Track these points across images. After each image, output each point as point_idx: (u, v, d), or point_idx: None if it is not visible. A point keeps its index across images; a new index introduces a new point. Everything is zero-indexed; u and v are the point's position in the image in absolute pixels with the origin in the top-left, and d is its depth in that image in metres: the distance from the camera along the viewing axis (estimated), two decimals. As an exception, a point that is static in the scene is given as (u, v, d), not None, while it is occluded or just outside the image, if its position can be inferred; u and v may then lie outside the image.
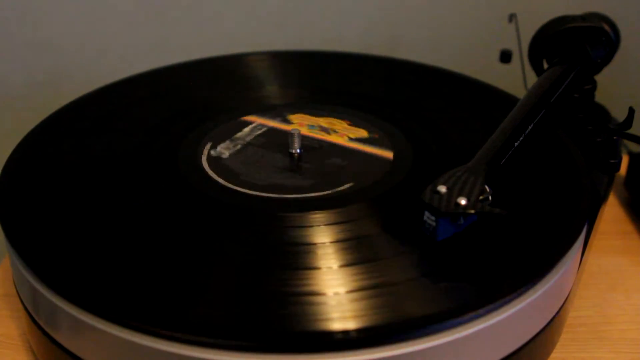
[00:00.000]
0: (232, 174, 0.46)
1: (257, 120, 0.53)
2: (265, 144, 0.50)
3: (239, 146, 0.49)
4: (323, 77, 0.60)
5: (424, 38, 0.77)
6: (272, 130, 0.51)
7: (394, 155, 0.48)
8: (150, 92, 0.57)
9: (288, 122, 0.52)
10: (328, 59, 0.63)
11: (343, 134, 0.49)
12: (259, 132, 0.51)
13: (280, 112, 0.53)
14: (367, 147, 0.49)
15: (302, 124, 0.51)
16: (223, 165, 0.47)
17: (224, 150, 0.49)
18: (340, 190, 0.44)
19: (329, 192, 0.44)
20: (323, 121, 0.51)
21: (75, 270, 0.39)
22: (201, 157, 0.48)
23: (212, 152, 0.48)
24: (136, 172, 0.47)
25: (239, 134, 0.51)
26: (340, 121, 0.51)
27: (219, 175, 0.46)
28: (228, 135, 0.51)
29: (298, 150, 0.48)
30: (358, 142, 0.49)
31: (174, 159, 0.48)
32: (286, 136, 0.49)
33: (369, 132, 0.50)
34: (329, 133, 0.49)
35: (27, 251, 0.40)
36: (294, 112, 0.53)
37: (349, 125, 0.50)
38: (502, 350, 0.38)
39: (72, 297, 0.37)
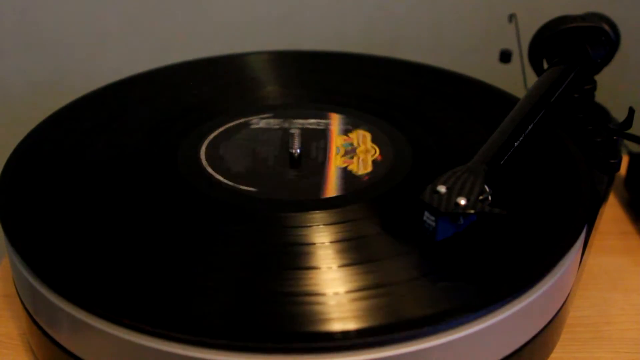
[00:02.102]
0: (232, 173, 0.46)
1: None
2: (266, 144, 0.50)
3: (239, 146, 0.49)
4: (323, 77, 0.60)
5: (424, 38, 0.77)
6: (272, 130, 0.51)
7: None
8: (150, 92, 0.57)
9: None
10: (328, 59, 0.63)
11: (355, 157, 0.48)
12: (259, 131, 0.51)
13: (282, 112, 0.53)
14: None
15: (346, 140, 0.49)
16: (223, 165, 0.47)
17: (224, 149, 0.49)
18: (340, 190, 0.44)
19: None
20: (363, 147, 0.49)
21: (75, 270, 0.39)
22: (201, 157, 0.48)
23: (212, 152, 0.48)
24: (136, 172, 0.47)
25: (239, 134, 0.51)
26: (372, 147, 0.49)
27: (218, 175, 0.46)
28: (228, 135, 0.51)
29: (298, 150, 0.48)
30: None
31: (174, 159, 0.48)
32: (286, 136, 0.49)
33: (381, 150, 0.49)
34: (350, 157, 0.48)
35: (27, 251, 0.40)
36: (354, 128, 0.51)
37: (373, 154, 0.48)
38: (502, 350, 0.38)
39: (72, 297, 0.37)
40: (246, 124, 0.52)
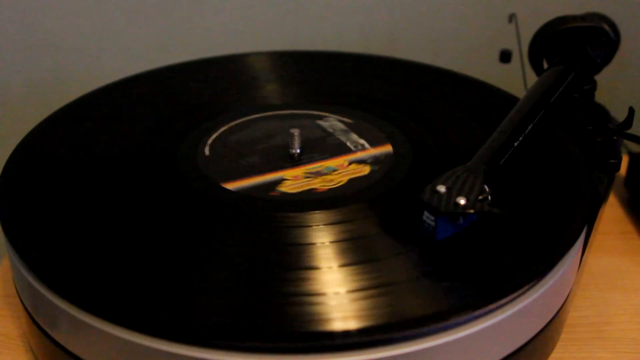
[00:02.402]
0: (232, 173, 0.46)
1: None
2: (265, 144, 0.50)
3: (239, 146, 0.49)
4: (323, 77, 0.60)
5: (424, 38, 0.77)
6: (272, 130, 0.51)
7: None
8: (150, 92, 0.57)
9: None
10: (328, 59, 0.63)
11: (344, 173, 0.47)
12: (259, 131, 0.51)
13: (282, 112, 0.53)
14: (368, 148, 0.48)
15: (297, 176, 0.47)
16: (223, 165, 0.47)
17: (224, 150, 0.49)
18: (340, 190, 0.44)
19: (329, 192, 0.44)
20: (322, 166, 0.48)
21: (75, 270, 0.39)
22: (201, 157, 0.48)
23: (212, 152, 0.48)
24: (136, 172, 0.47)
25: (239, 134, 0.51)
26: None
27: (218, 175, 0.46)
28: (228, 135, 0.51)
29: (298, 150, 0.48)
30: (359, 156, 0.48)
31: (174, 159, 0.48)
32: (286, 136, 0.49)
33: (371, 168, 0.47)
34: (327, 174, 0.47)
35: (27, 251, 0.40)
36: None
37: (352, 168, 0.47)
38: (502, 350, 0.38)
39: (72, 297, 0.37)
40: (246, 124, 0.52)
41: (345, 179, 0.46)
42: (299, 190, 0.44)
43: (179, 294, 0.37)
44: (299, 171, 0.46)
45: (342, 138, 0.50)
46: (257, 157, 0.48)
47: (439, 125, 0.52)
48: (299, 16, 0.75)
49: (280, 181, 0.45)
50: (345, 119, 0.52)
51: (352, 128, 0.52)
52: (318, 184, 0.45)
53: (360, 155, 0.49)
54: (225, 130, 0.51)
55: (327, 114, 0.53)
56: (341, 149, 0.49)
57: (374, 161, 0.48)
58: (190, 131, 0.51)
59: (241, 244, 0.40)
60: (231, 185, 0.45)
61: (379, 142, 0.50)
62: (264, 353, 0.34)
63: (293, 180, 0.45)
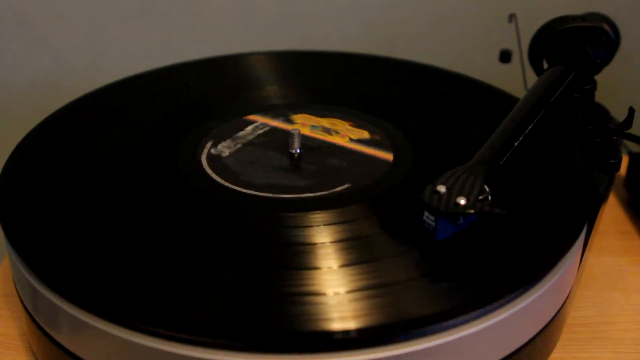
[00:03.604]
0: (231, 173, 0.46)
1: (258, 119, 0.53)
2: (266, 144, 0.50)
3: (239, 146, 0.49)
4: (323, 77, 0.60)
5: (424, 38, 0.77)
6: (272, 130, 0.51)
7: (394, 156, 0.48)
8: (150, 92, 0.57)
9: (290, 122, 0.52)
10: (328, 59, 0.63)
11: (344, 134, 0.49)
12: (259, 131, 0.51)
13: (283, 112, 0.54)
14: (368, 149, 0.49)
15: (304, 124, 0.50)
16: (223, 165, 0.47)
17: (224, 150, 0.49)
18: (340, 191, 0.44)
19: (329, 192, 0.44)
20: (325, 122, 0.51)
21: (75, 270, 0.39)
22: (201, 157, 0.48)
23: (212, 152, 0.48)
24: (136, 172, 0.47)
25: (239, 134, 0.51)
26: (342, 122, 0.51)
27: (218, 175, 0.46)
28: (228, 135, 0.51)
29: (298, 150, 0.48)
30: (358, 144, 0.49)
31: (174, 159, 0.48)
32: (286, 136, 0.49)
33: (371, 133, 0.50)
34: (330, 134, 0.49)
35: (27, 251, 0.40)
36: (296, 112, 0.53)
37: (351, 126, 0.50)
38: (502, 350, 0.38)
39: (72, 297, 0.37)
40: (246, 124, 0.52)
41: (353, 136, 0.48)
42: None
43: (178, 294, 0.37)
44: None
45: (343, 139, 0.51)
46: (257, 156, 0.48)
47: (439, 125, 0.52)
48: (299, 16, 0.75)
49: (279, 180, 0.45)
50: (348, 120, 0.52)
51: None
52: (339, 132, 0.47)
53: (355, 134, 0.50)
54: (225, 130, 0.51)
55: (329, 114, 0.53)
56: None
57: (372, 130, 0.50)
58: (190, 131, 0.51)
59: (241, 244, 0.40)
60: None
61: (380, 143, 0.50)
62: (264, 353, 0.34)
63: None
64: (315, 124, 0.50)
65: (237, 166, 0.47)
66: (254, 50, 0.64)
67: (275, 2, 0.75)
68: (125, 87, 0.57)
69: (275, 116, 0.53)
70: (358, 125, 0.51)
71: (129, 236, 0.41)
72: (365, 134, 0.49)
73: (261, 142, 0.50)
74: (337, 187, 0.45)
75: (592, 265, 0.52)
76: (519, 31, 0.59)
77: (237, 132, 0.51)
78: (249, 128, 0.52)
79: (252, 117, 0.53)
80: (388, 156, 0.48)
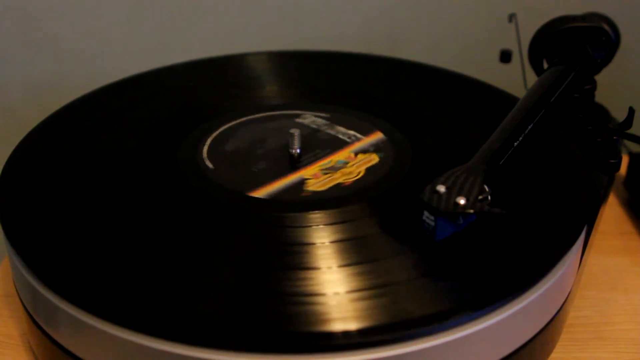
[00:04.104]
0: (232, 173, 0.46)
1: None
2: (266, 144, 0.50)
3: (239, 146, 0.49)
4: (323, 77, 0.60)
5: (424, 38, 0.77)
6: (272, 129, 0.51)
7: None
8: (150, 92, 0.57)
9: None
10: (328, 59, 0.63)
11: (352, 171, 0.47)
12: (259, 131, 0.51)
13: (283, 112, 0.53)
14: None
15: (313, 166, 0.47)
16: (223, 165, 0.47)
17: (224, 150, 0.49)
18: (340, 190, 0.44)
19: (329, 192, 0.44)
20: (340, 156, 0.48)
21: (75, 270, 0.39)
22: (201, 157, 0.48)
23: (212, 152, 0.48)
24: (136, 172, 0.47)
25: (239, 134, 0.51)
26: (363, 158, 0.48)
27: (218, 175, 0.46)
28: (228, 135, 0.51)
29: (298, 150, 0.48)
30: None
31: (174, 159, 0.48)
32: (286, 136, 0.49)
33: (379, 155, 0.48)
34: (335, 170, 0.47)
35: (27, 251, 0.40)
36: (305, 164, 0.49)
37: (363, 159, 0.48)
38: (502, 350, 0.38)
39: (72, 297, 0.37)
40: (246, 124, 0.52)
41: (362, 169, 0.46)
42: (327, 187, 0.45)
43: (178, 294, 0.37)
44: (315, 168, 0.46)
45: (332, 132, 0.50)
46: (257, 157, 0.48)
47: (439, 125, 0.52)
48: (299, 16, 0.75)
49: (303, 182, 0.45)
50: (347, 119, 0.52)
51: (333, 121, 0.52)
52: (341, 178, 0.45)
53: (359, 145, 0.49)
54: (225, 130, 0.51)
55: (303, 112, 0.53)
56: (338, 143, 0.49)
57: (376, 149, 0.48)
58: (190, 131, 0.51)
59: (241, 244, 0.40)
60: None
61: (367, 131, 0.50)
62: (264, 353, 0.34)
63: (315, 178, 0.45)
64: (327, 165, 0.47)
65: (237, 166, 0.47)
66: (254, 50, 0.64)
67: (275, 2, 0.75)
68: (125, 87, 0.57)
69: (275, 116, 0.53)
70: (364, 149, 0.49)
71: (128, 236, 0.41)
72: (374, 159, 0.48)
73: (261, 142, 0.50)
74: (360, 178, 0.45)
75: (592, 265, 0.52)
76: (519, 31, 0.59)
77: (237, 132, 0.51)
78: (249, 128, 0.52)
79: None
80: (384, 141, 0.48)
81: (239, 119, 0.52)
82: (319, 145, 0.49)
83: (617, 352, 0.46)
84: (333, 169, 0.46)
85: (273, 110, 0.54)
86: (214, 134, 0.50)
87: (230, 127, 0.51)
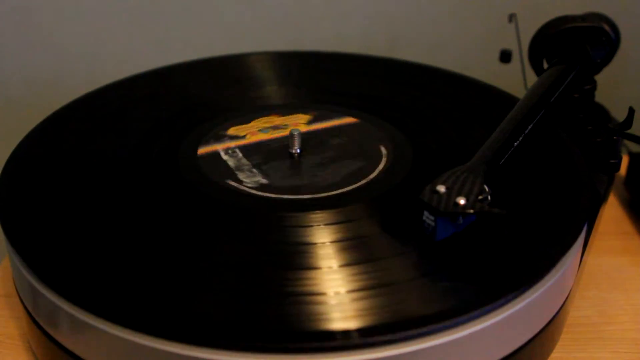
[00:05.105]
0: (232, 173, 0.46)
1: (258, 118, 0.53)
2: (265, 144, 0.50)
3: (239, 146, 0.49)
4: (323, 77, 0.60)
5: (424, 38, 0.77)
6: (272, 129, 0.51)
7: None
8: (150, 92, 0.57)
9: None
10: (328, 59, 0.63)
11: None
12: (259, 131, 0.51)
13: (284, 112, 0.54)
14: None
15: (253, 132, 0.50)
16: (223, 165, 0.47)
17: (224, 149, 0.49)
18: (340, 190, 0.44)
19: (329, 192, 0.44)
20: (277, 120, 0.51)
21: (75, 270, 0.39)
22: (201, 157, 0.48)
23: (212, 152, 0.48)
24: (136, 172, 0.47)
25: (239, 134, 0.51)
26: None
27: (218, 175, 0.46)
28: (228, 135, 0.51)
29: (298, 150, 0.48)
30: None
31: (174, 159, 0.48)
32: (286, 136, 0.49)
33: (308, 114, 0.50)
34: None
35: (27, 251, 0.40)
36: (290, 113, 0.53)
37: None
38: (502, 350, 0.38)
39: (72, 297, 0.37)
40: (246, 124, 0.52)
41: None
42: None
43: (178, 294, 0.37)
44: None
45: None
46: (257, 156, 0.48)
47: (439, 125, 0.52)
48: (299, 16, 0.75)
49: (279, 180, 0.45)
50: (351, 119, 0.52)
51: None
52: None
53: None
54: (224, 130, 0.51)
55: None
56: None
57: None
58: (190, 131, 0.51)
59: (241, 244, 0.40)
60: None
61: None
62: (264, 353, 0.34)
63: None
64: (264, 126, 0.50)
65: (237, 166, 0.47)
66: (254, 50, 0.64)
67: (275, 2, 0.75)
68: (125, 87, 0.57)
69: (276, 117, 0.53)
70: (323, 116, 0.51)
71: (129, 236, 0.41)
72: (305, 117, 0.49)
73: (261, 141, 0.50)
74: (337, 187, 0.45)
75: (592, 265, 0.52)
76: (519, 31, 0.59)
77: (237, 132, 0.51)
78: (249, 128, 0.52)
79: (251, 117, 0.53)
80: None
81: (239, 118, 0.52)
82: (319, 146, 0.49)
83: (617, 352, 0.46)
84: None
85: (273, 110, 0.54)
86: (214, 134, 0.50)
87: (230, 127, 0.51)
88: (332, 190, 0.44)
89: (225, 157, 0.48)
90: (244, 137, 0.47)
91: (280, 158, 0.48)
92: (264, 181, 0.45)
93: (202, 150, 0.49)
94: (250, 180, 0.45)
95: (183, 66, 0.61)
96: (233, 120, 0.52)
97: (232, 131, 0.48)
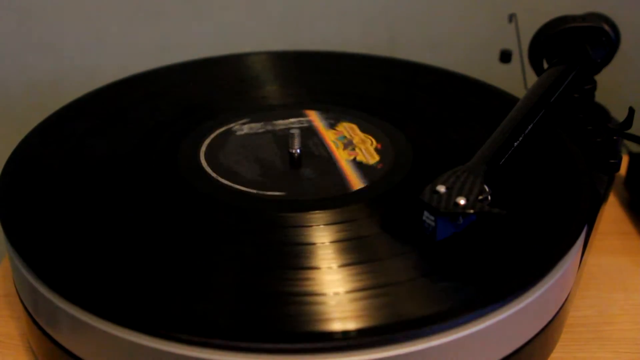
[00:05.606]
0: (232, 173, 0.46)
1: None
2: (266, 144, 0.50)
3: (239, 146, 0.49)
4: (323, 77, 0.60)
5: (424, 38, 0.77)
6: (272, 129, 0.51)
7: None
8: (150, 92, 0.57)
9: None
10: (328, 59, 0.63)
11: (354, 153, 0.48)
12: (259, 131, 0.51)
13: (284, 113, 0.53)
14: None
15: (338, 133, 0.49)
16: (223, 165, 0.47)
17: (224, 149, 0.49)
18: (340, 190, 0.44)
19: (329, 192, 0.44)
20: (358, 138, 0.49)
21: (75, 270, 0.39)
22: (201, 157, 0.48)
23: (212, 152, 0.48)
24: (136, 172, 0.47)
25: (239, 134, 0.51)
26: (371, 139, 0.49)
27: (218, 175, 0.46)
28: (228, 135, 0.51)
29: (298, 150, 0.48)
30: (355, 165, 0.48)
31: (174, 159, 0.48)
32: (287, 136, 0.49)
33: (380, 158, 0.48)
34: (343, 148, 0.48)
35: (27, 251, 0.40)
36: (341, 121, 0.52)
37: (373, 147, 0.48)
38: (502, 350, 0.38)
39: (72, 297, 0.37)
40: (246, 124, 0.52)
41: (362, 136, 0.48)
42: (374, 156, 0.46)
43: (178, 294, 0.37)
44: (341, 152, 0.47)
45: (332, 132, 0.51)
46: (257, 157, 0.48)
47: (439, 125, 0.52)
48: (299, 16, 0.75)
49: (279, 180, 0.45)
50: (326, 115, 0.52)
51: (336, 122, 0.52)
52: (366, 145, 0.47)
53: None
54: (225, 130, 0.51)
55: (305, 112, 0.53)
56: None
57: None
58: (190, 131, 0.51)
59: (241, 244, 0.40)
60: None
61: (370, 133, 0.50)
62: (264, 353, 0.34)
63: (355, 155, 0.46)
64: (344, 135, 0.49)
65: (238, 166, 0.47)
66: (254, 50, 0.64)
67: (275, 2, 0.75)
68: (125, 87, 0.57)
69: (275, 116, 0.53)
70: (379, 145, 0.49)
71: (129, 236, 0.41)
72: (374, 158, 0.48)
73: (261, 142, 0.50)
74: (337, 186, 0.45)
75: (592, 265, 0.52)
76: (519, 31, 0.59)
77: (237, 132, 0.51)
78: (249, 128, 0.52)
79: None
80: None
81: (239, 119, 0.53)
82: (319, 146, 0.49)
83: (617, 352, 0.46)
84: (349, 144, 0.47)
85: (273, 110, 0.54)
86: (214, 134, 0.50)
87: (230, 127, 0.51)
88: (332, 190, 0.44)
89: (225, 157, 0.48)
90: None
91: (280, 158, 0.48)
92: (264, 181, 0.45)
93: (202, 150, 0.49)
94: (250, 180, 0.45)
95: (183, 66, 0.61)
96: (233, 120, 0.52)
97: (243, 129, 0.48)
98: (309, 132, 0.51)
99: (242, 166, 0.47)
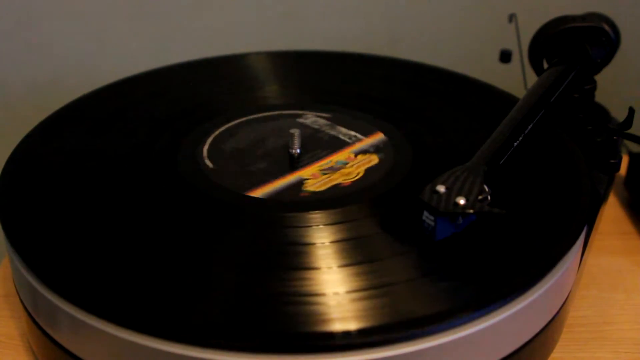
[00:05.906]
0: (232, 173, 0.46)
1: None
2: (266, 144, 0.50)
3: (239, 146, 0.49)
4: (323, 77, 0.60)
5: (424, 38, 0.77)
6: (272, 129, 0.51)
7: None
8: (150, 92, 0.57)
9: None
10: (328, 59, 0.63)
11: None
12: (259, 131, 0.51)
13: (284, 112, 0.53)
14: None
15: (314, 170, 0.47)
16: (223, 165, 0.47)
17: (224, 149, 0.49)
18: (340, 191, 0.44)
19: (328, 192, 0.44)
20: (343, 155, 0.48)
21: (75, 270, 0.39)
22: (201, 157, 0.48)
23: (212, 152, 0.48)
24: (136, 172, 0.47)
25: (239, 134, 0.51)
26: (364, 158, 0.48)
27: (218, 175, 0.46)
28: (228, 135, 0.51)
29: (298, 150, 0.48)
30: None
31: (174, 159, 0.48)
32: (286, 136, 0.49)
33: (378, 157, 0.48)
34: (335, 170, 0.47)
35: (27, 251, 0.40)
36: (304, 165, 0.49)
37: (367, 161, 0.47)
38: (502, 350, 0.38)
39: (72, 297, 0.37)
40: (246, 124, 0.52)
41: (362, 170, 0.46)
42: (326, 187, 0.44)
43: (178, 294, 0.37)
44: (314, 169, 0.46)
45: (333, 132, 0.50)
46: (257, 157, 0.48)
47: (439, 125, 0.52)
48: (299, 16, 0.75)
49: (302, 182, 0.45)
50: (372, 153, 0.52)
51: (334, 121, 0.52)
52: (340, 179, 0.45)
53: (359, 145, 0.49)
54: (225, 131, 0.51)
55: (304, 112, 0.53)
56: (338, 143, 0.49)
57: (376, 149, 0.48)
58: (190, 131, 0.51)
59: (241, 244, 0.40)
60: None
61: (368, 131, 0.50)
62: (264, 353, 0.34)
63: (313, 178, 0.45)
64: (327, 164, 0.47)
65: (237, 166, 0.47)
66: (254, 50, 0.64)
67: (275, 2, 0.75)
68: (125, 87, 0.57)
69: (276, 116, 0.53)
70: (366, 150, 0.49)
71: (129, 236, 0.41)
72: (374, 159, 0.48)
73: (261, 141, 0.50)
74: (359, 179, 0.45)
75: (592, 266, 0.52)
76: (519, 31, 0.59)
77: (237, 132, 0.51)
78: (249, 128, 0.52)
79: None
80: (385, 142, 0.48)
81: (239, 119, 0.53)
82: (319, 146, 0.49)
83: (617, 352, 0.46)
84: (332, 170, 0.46)
85: (273, 110, 0.54)
86: (214, 134, 0.50)
87: (230, 127, 0.51)
88: (331, 191, 0.44)
89: (225, 157, 0.48)
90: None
91: (280, 158, 0.48)
92: (264, 181, 0.45)
93: (202, 150, 0.49)
94: (250, 180, 0.45)
95: (183, 66, 0.61)
96: (233, 120, 0.52)
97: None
98: (310, 131, 0.51)
99: (242, 166, 0.47)
